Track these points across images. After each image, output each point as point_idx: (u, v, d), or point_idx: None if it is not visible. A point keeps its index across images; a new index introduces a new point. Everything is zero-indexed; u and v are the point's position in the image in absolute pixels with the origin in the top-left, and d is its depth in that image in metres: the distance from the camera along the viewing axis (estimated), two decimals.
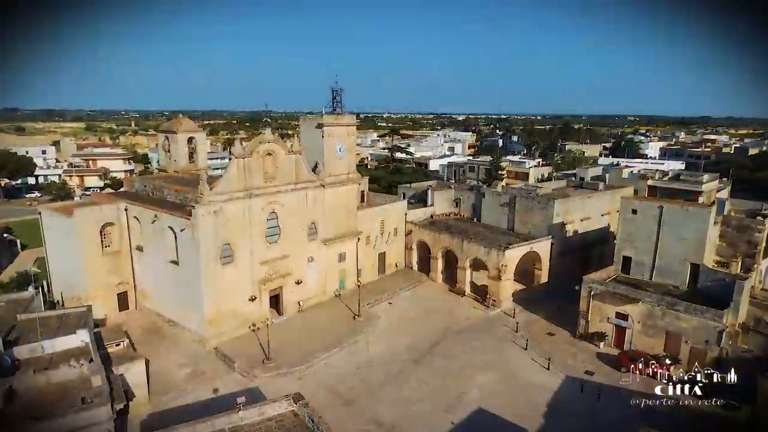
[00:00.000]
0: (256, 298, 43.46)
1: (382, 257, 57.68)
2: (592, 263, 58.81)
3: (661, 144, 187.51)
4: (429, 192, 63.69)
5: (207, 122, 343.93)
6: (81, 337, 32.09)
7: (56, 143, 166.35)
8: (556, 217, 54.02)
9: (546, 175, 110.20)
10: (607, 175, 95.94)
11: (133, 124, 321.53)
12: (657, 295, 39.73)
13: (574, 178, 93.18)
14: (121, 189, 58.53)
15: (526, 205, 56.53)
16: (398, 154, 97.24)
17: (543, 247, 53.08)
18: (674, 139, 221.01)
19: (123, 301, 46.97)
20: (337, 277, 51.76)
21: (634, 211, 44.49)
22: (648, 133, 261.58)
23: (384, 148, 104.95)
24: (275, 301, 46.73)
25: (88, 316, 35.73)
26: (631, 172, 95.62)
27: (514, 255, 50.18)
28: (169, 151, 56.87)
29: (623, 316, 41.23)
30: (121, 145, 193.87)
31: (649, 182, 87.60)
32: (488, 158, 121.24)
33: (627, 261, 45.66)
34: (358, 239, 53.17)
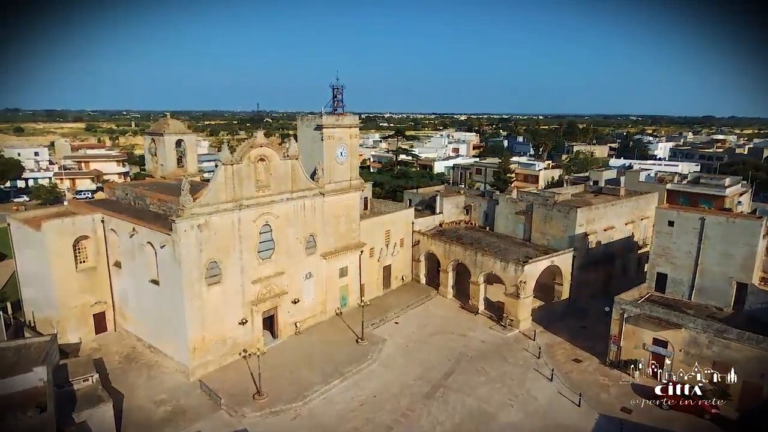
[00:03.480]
0: (247, 321, 38.67)
1: (387, 270, 52.92)
2: (615, 277, 54.34)
3: (670, 144, 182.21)
4: (437, 198, 58.91)
5: (208, 123, 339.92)
6: (39, 376, 27.42)
7: (51, 144, 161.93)
8: (578, 227, 49.21)
9: (556, 178, 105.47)
10: (622, 178, 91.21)
11: (133, 125, 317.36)
12: (703, 320, 34.88)
13: (590, 182, 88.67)
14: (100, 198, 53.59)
15: (544, 213, 51.71)
16: (403, 157, 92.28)
17: (564, 261, 48.28)
18: (682, 140, 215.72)
19: (100, 323, 42.26)
20: (338, 294, 47.00)
21: (671, 223, 39.67)
22: (654, 134, 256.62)
23: (388, 151, 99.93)
24: (269, 323, 42.02)
25: (51, 348, 31.03)
26: (648, 175, 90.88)
27: (534, 270, 45.38)
28: (155, 155, 52.40)
29: (662, 343, 36.42)
30: (120, 146, 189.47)
31: (668, 186, 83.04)
32: (496, 160, 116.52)
33: (662, 278, 40.89)
34: (361, 252, 48.40)
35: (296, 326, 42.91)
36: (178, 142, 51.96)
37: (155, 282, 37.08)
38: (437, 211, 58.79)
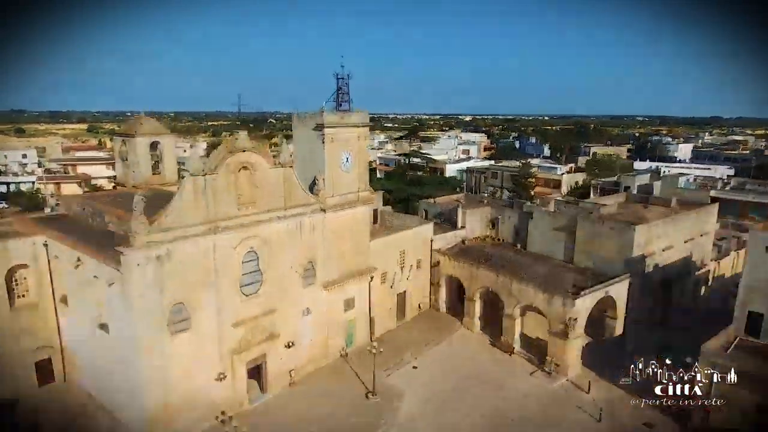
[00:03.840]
0: (226, 376, 30.08)
1: (401, 298, 44.28)
2: (672, 306, 45.73)
3: (687, 145, 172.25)
4: (459, 211, 50.14)
5: (211, 123, 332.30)
6: None
7: (44, 147, 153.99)
8: (636, 248, 40.44)
9: (580, 183, 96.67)
10: (656, 183, 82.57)
11: None
12: None
13: (622, 188, 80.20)
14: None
15: (591, 230, 42.90)
16: (414, 160, 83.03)
17: (620, 290, 39.55)
18: (700, 141, 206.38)
19: (45, 373, 33.64)
20: (343, 331, 38.37)
21: None
22: (670, 134, 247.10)
23: (400, 154, 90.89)
24: (257, 372, 33.39)
25: None
26: (687, 180, 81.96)
27: (586, 304, 36.66)
28: (127, 160, 44.12)
29: None
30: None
31: (712, 193, 74.38)
32: (513, 163, 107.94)
33: (756, 319, 32.10)
34: (371, 278, 39.77)
35: (291, 375, 34.27)
36: (153, 145, 43.72)
37: (105, 328, 28.55)
38: (459, 225, 50.03)
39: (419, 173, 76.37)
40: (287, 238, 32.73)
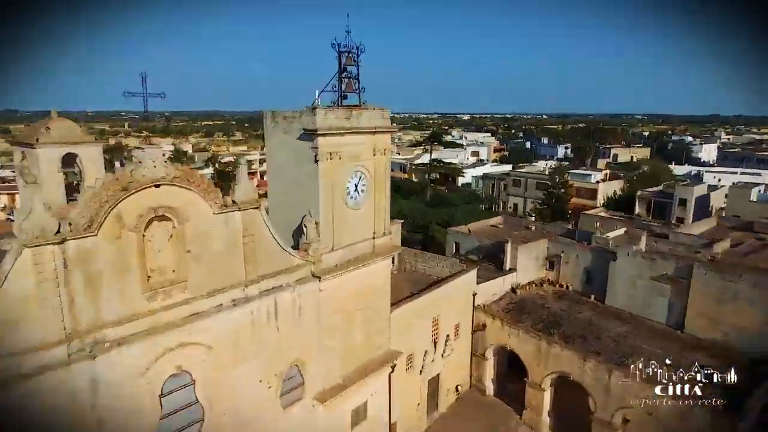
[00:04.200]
0: None
1: (433, 384, 30.03)
2: None
3: (711, 146, 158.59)
4: (507, 248, 35.81)
5: (205, 123, 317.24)
6: None
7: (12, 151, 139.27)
8: None
9: (618, 192, 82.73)
10: (713, 195, 69.03)
11: (126, 126, 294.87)
12: None
13: (683, 202, 66.62)
14: None
15: (717, 284, 28.81)
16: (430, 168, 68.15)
17: None
18: (718, 140, 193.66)
19: None
20: None
21: None
22: (685, 133, 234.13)
23: (418, 164, 76.19)
24: None
25: None
26: (759, 191, 68.21)
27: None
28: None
29: None
30: (110, 148, 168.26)
31: None
32: (536, 167, 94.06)
33: None
34: (392, 368, 25.50)
35: None
36: (68, 159, 29.24)
37: None
38: (506, 266, 35.94)
39: (446, 192, 61.18)
40: (252, 333, 18.37)
